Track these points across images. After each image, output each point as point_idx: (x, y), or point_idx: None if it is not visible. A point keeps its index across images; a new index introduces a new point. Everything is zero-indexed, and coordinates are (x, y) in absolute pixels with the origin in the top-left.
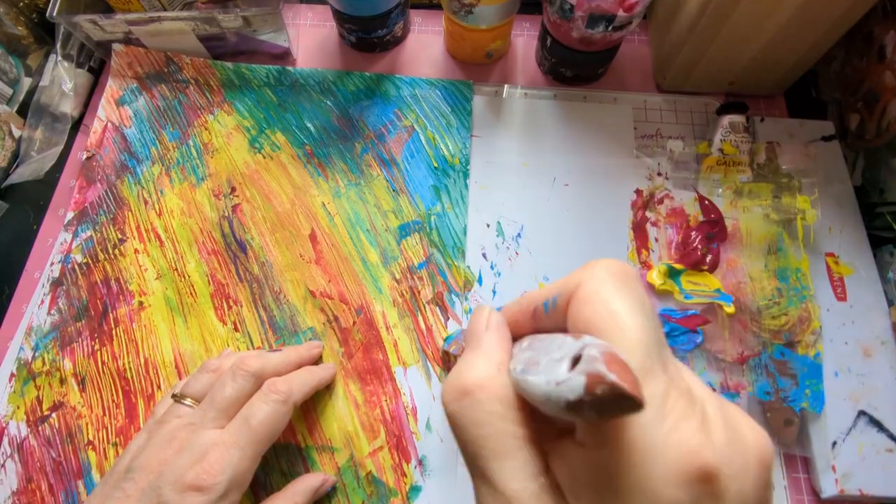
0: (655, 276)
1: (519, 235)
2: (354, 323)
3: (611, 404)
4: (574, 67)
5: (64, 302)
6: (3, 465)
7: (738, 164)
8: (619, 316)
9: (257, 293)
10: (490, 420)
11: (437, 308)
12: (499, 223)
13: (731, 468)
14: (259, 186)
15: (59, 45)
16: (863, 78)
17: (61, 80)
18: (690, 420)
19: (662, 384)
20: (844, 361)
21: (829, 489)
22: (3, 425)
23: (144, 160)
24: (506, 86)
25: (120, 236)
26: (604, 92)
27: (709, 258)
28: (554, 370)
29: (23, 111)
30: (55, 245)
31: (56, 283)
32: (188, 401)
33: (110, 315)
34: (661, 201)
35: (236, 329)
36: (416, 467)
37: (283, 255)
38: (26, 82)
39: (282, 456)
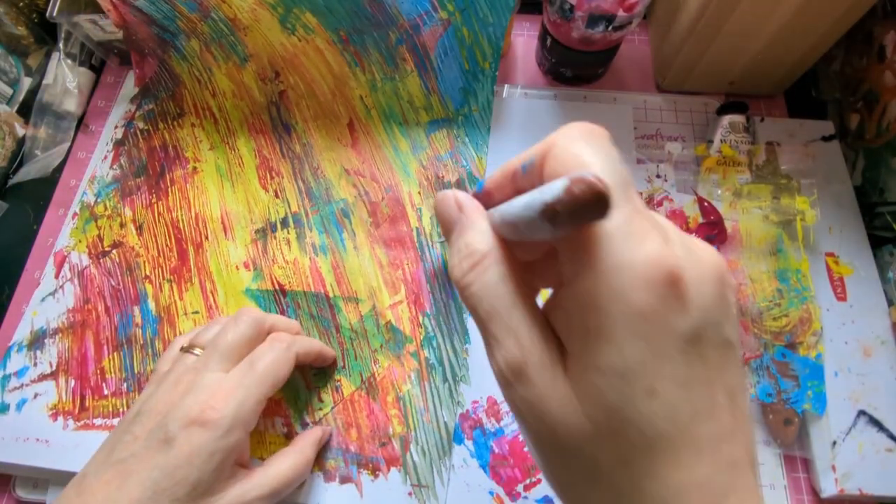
0: None
1: None
2: (383, 198)
3: (584, 207)
4: (574, 67)
5: (125, 160)
6: (61, 287)
7: (738, 165)
8: (585, 160)
9: (297, 168)
10: (496, 283)
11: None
12: None
13: (692, 273)
14: (301, 74)
15: (61, 43)
16: (863, 78)
17: (65, 77)
18: (654, 237)
19: (627, 211)
20: (844, 361)
21: (829, 489)
22: (66, 254)
23: (178, 34)
24: (506, 86)
25: (179, 111)
26: (604, 92)
27: None
28: (534, 193)
29: (23, 111)
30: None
31: (118, 144)
32: (197, 350)
33: (167, 175)
34: (660, 203)
35: (277, 196)
36: (431, 321)
37: (323, 139)
38: (26, 82)
39: (312, 303)
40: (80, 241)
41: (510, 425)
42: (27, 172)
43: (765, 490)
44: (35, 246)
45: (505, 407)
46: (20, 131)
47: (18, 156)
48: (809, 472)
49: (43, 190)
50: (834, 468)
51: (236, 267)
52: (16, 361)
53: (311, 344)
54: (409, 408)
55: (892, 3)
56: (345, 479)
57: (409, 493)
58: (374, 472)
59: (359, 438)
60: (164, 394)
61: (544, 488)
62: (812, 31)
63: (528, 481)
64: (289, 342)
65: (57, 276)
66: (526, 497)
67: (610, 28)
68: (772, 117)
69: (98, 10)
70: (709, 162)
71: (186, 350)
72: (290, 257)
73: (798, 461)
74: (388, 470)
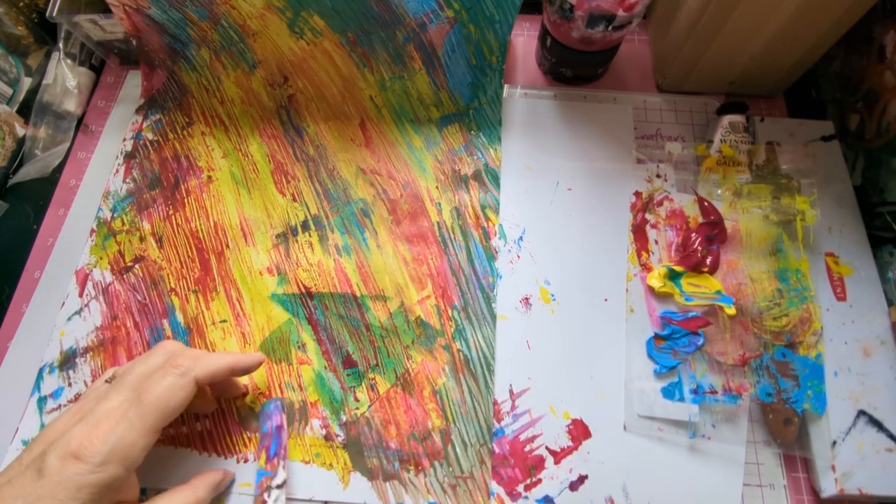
0: (655, 279)
1: (521, 238)
2: (401, 195)
3: None
4: (574, 67)
5: (138, 173)
6: (87, 305)
7: (738, 165)
8: None
9: (313, 170)
10: None
11: (476, 182)
12: (501, 226)
13: None
14: (310, 77)
15: (61, 43)
16: (863, 78)
17: (65, 77)
18: None
19: None
20: (844, 361)
21: (828, 489)
22: (87, 272)
23: (189, 43)
24: (506, 86)
25: (187, 120)
26: (604, 92)
27: (709, 260)
28: None
29: (23, 111)
30: (125, 127)
31: (129, 157)
32: (114, 381)
33: (182, 186)
34: (660, 203)
35: (294, 199)
36: (460, 313)
37: (336, 140)
38: (26, 82)
39: (340, 303)
40: (101, 258)
41: (510, 425)
42: (27, 172)
43: (765, 490)
44: (35, 246)
45: (505, 407)
46: (20, 131)
47: (18, 156)
48: (809, 471)
49: (43, 190)
50: (834, 468)
51: (260, 273)
52: (49, 383)
53: (218, 362)
54: (446, 401)
55: (892, 2)
56: (388, 477)
57: (454, 486)
58: (417, 466)
59: (398, 435)
60: (63, 422)
61: (545, 488)
62: (812, 31)
63: (528, 481)
64: (186, 367)
65: (81, 295)
66: (526, 497)
67: (610, 28)
68: (772, 117)
69: (98, 9)
70: (709, 162)
71: (108, 380)
72: (314, 260)
73: (798, 461)
74: (431, 464)
